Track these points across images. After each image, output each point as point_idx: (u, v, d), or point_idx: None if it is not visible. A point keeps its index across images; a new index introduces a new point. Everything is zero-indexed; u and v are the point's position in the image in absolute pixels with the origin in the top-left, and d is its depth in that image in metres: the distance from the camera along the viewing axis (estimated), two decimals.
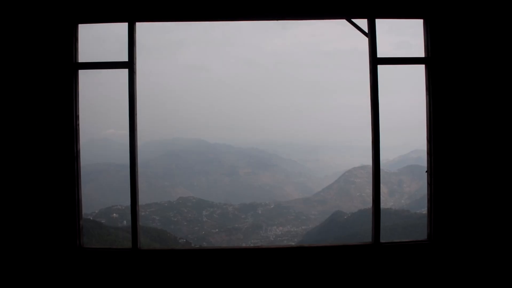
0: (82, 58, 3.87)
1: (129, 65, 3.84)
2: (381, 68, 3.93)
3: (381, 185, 4.07)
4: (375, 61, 3.91)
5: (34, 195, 3.74)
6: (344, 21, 4.02)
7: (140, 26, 3.95)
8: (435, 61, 3.89)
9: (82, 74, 3.88)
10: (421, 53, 4.03)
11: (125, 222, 55.54)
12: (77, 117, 3.84)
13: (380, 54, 3.93)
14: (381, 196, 4.00)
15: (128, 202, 3.98)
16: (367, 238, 4.32)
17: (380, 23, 3.96)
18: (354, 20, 3.98)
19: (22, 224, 3.75)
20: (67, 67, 3.77)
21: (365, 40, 4.01)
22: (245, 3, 3.85)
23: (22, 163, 3.75)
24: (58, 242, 3.75)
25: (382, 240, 3.92)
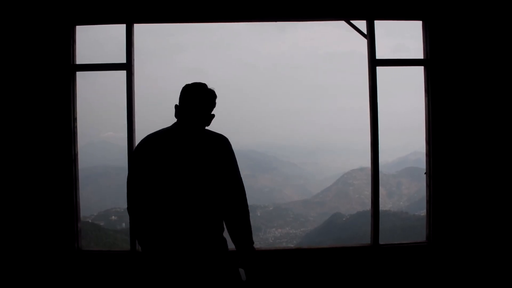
0: (80, 61, 3.85)
1: (127, 67, 3.82)
2: (380, 70, 3.92)
3: (380, 187, 4.06)
4: (374, 63, 3.90)
5: (31, 198, 3.72)
6: (342, 24, 4.03)
7: (138, 30, 3.94)
8: (434, 63, 3.89)
9: (80, 77, 3.86)
10: (419, 55, 4.03)
11: (124, 224, 55.35)
12: (74, 119, 3.82)
13: (378, 56, 3.92)
14: (380, 198, 3.99)
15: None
16: (366, 240, 4.31)
17: (377, 26, 3.95)
18: (353, 22, 3.97)
19: (19, 227, 3.73)
20: (64, 69, 3.75)
21: (363, 43, 4.01)
22: (243, 4, 3.84)
23: (19, 166, 3.73)
24: (56, 245, 3.73)
25: (381, 242, 3.91)
